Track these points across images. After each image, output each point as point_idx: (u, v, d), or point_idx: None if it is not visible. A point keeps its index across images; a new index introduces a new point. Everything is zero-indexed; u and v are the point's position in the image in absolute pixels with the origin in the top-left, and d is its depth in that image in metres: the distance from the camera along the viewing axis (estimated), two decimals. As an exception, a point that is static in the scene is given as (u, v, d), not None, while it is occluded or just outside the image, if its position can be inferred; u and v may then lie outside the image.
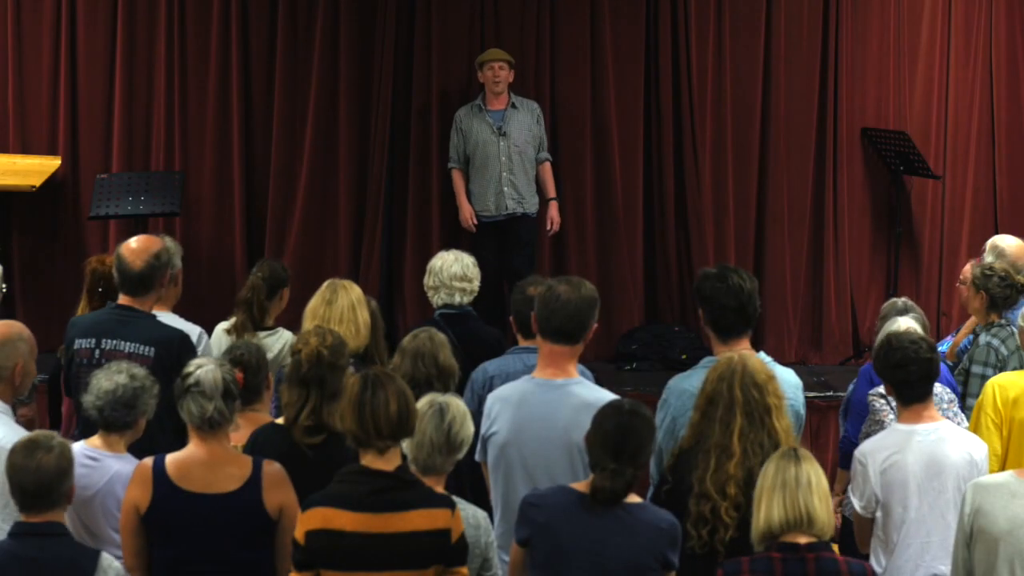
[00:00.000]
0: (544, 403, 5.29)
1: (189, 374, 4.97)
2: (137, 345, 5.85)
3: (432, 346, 5.72)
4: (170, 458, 4.96)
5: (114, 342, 5.88)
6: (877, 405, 6.25)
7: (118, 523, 5.15)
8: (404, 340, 5.85)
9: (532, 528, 4.68)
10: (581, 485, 4.75)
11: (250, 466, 4.96)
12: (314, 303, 6.35)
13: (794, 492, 4.54)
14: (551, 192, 9.80)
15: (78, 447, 5.18)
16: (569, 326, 5.37)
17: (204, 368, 4.97)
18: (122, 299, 6.01)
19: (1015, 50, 10.75)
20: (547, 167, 9.82)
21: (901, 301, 6.96)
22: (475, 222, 9.63)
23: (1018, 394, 5.93)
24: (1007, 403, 5.92)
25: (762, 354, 5.56)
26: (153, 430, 5.46)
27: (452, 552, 4.63)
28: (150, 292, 6.02)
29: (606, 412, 4.76)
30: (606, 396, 5.26)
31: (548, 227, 9.78)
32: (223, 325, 7.05)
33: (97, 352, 5.90)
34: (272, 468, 4.97)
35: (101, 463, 5.20)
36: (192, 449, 4.97)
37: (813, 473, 4.59)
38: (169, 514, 4.88)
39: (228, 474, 4.93)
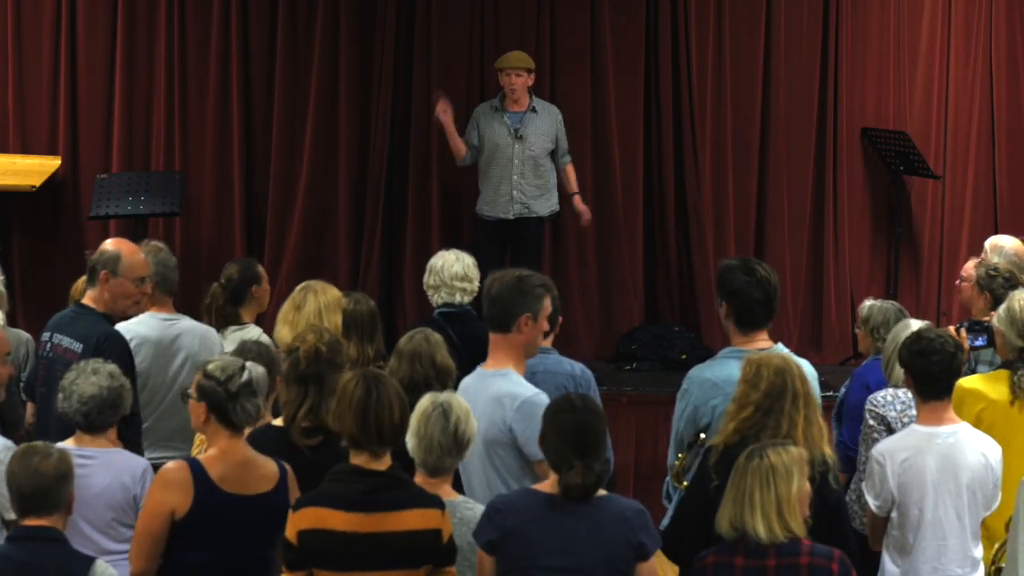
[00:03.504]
0: (472, 393, 5.33)
1: (233, 376, 4.89)
2: (72, 341, 6.01)
3: (428, 347, 5.66)
4: (205, 460, 4.90)
5: (59, 337, 6.07)
6: (871, 420, 6.10)
7: (124, 515, 5.21)
8: (400, 342, 5.79)
9: (500, 533, 4.65)
10: (545, 486, 4.73)
11: (275, 466, 4.95)
12: (285, 307, 6.34)
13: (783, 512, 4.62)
14: (573, 188, 9.72)
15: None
16: (491, 312, 5.44)
17: (251, 368, 4.96)
18: (84, 297, 6.21)
19: (1015, 50, 10.74)
20: (570, 168, 9.76)
21: (893, 306, 6.89)
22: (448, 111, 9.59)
23: (981, 408, 5.91)
24: (972, 415, 5.89)
25: (780, 346, 5.63)
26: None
27: (443, 552, 4.63)
28: (91, 285, 6.15)
29: (559, 410, 4.74)
30: (519, 391, 5.30)
31: (580, 214, 9.69)
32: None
33: (48, 345, 6.11)
34: (290, 468, 4.98)
35: (98, 459, 5.21)
36: (225, 450, 4.91)
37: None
38: (210, 517, 4.82)
39: (261, 475, 4.92)
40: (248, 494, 4.87)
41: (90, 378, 5.24)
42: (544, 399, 5.29)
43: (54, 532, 4.61)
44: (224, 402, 4.88)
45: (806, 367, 5.57)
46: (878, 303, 6.87)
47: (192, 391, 4.96)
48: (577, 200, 9.71)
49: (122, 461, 5.27)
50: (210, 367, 4.95)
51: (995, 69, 10.71)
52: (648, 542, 4.70)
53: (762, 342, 5.58)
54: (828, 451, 5.13)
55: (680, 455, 6.18)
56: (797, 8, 10.54)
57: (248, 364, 4.99)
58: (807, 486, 4.71)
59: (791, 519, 4.63)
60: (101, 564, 4.63)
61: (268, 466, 4.95)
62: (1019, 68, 10.74)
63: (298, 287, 6.38)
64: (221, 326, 6.78)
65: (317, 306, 6.24)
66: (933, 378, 5.47)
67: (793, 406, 5.06)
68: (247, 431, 5.06)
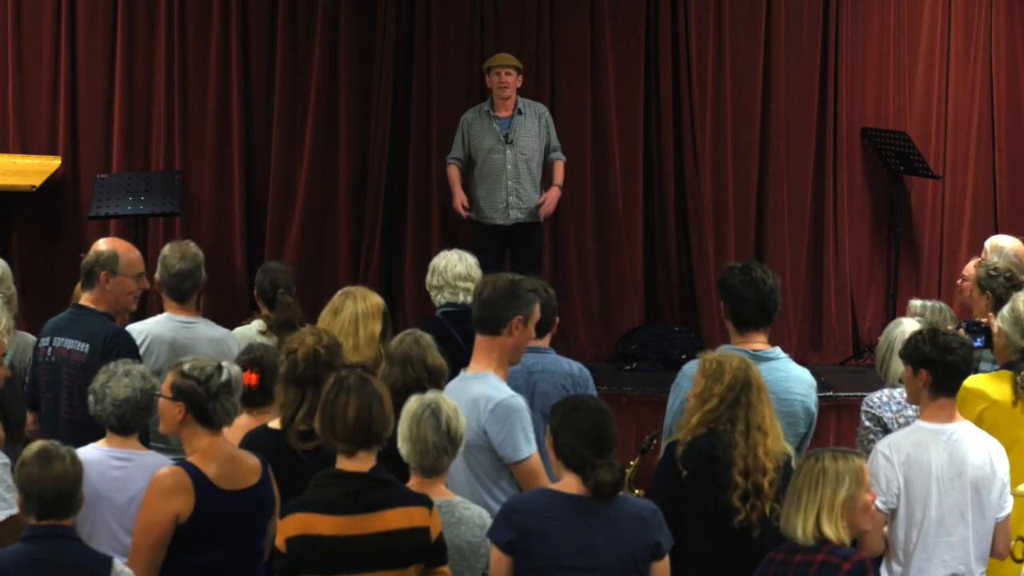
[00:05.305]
0: (453, 397, 5.32)
1: (212, 376, 4.90)
2: (76, 342, 6.03)
3: (419, 350, 5.62)
4: (197, 461, 4.88)
5: (61, 340, 6.08)
6: (867, 422, 6.03)
7: None
8: (391, 345, 5.74)
9: (520, 534, 4.66)
10: (563, 486, 4.74)
11: (256, 458, 4.98)
12: (324, 312, 6.26)
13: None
14: (557, 181, 9.58)
15: (99, 451, 5.17)
16: (482, 314, 5.46)
17: (228, 367, 4.96)
18: (81, 299, 6.22)
19: (1015, 50, 10.75)
20: (559, 165, 9.64)
21: (946, 306, 6.87)
22: (467, 207, 9.52)
23: (983, 408, 5.92)
24: (973, 415, 5.90)
25: (777, 350, 5.69)
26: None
27: (432, 550, 4.63)
28: (90, 287, 6.17)
29: (570, 410, 4.75)
30: (494, 393, 5.30)
31: (541, 203, 9.52)
32: (255, 326, 7.02)
33: (49, 350, 6.10)
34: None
35: (134, 461, 5.19)
36: (210, 449, 4.91)
37: None
38: (213, 517, 4.83)
39: (247, 468, 4.93)
40: (241, 489, 4.89)
41: (122, 380, 5.21)
42: (519, 402, 5.33)
43: (71, 530, 4.61)
44: (204, 402, 4.88)
45: (805, 376, 5.69)
46: (930, 303, 6.81)
47: (166, 391, 4.93)
48: (553, 191, 9.52)
49: (156, 463, 5.23)
50: (186, 367, 4.93)
51: (995, 69, 10.72)
52: (663, 541, 4.74)
53: (759, 344, 5.64)
54: (786, 445, 5.25)
55: (632, 462, 6.23)
56: (797, 8, 10.55)
57: (224, 363, 4.97)
58: (866, 498, 4.69)
59: (827, 524, 4.60)
60: (119, 564, 4.64)
61: (251, 459, 4.97)
62: (1019, 68, 10.75)
63: (339, 292, 6.27)
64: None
65: (355, 313, 6.13)
66: (959, 373, 5.45)
67: (759, 398, 5.14)
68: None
